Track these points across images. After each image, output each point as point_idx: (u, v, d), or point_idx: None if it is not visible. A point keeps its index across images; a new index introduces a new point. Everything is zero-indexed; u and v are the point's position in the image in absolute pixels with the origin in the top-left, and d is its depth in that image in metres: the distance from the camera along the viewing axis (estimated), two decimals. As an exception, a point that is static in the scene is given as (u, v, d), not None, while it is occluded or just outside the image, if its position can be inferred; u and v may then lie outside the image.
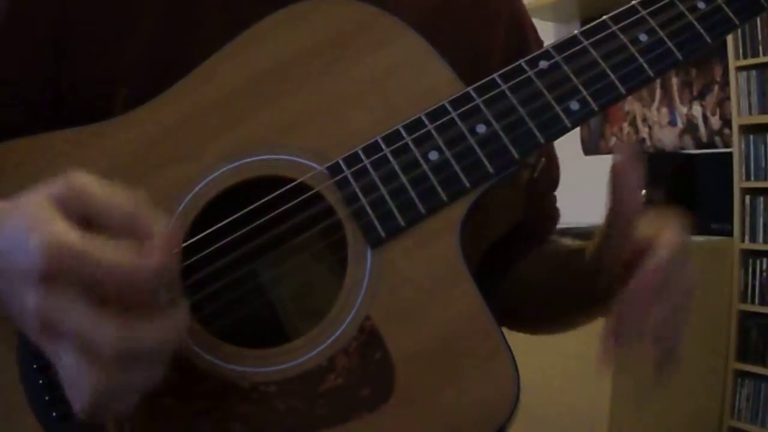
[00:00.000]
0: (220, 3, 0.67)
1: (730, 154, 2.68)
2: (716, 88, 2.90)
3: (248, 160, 0.58)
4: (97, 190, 0.47)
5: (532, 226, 0.77)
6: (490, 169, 0.56)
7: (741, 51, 2.64)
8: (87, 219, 0.46)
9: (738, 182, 2.64)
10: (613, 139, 3.33)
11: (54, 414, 0.53)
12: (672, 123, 3.09)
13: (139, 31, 0.66)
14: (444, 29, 0.61)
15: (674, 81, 3.02)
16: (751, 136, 2.63)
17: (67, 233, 0.45)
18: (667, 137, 3.12)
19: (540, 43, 0.79)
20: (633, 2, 0.59)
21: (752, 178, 2.66)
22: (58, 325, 0.44)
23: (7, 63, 0.66)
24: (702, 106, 2.97)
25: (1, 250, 0.47)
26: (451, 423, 0.51)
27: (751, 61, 2.59)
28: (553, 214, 0.83)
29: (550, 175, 0.80)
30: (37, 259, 0.44)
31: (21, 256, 0.45)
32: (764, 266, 2.63)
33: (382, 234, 0.55)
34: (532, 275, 0.77)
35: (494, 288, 0.76)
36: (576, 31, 0.59)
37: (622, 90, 0.57)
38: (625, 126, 3.27)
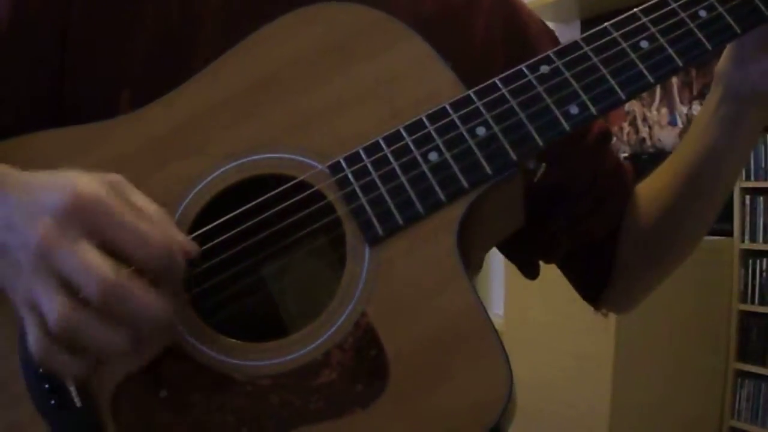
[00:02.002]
0: (221, 6, 0.68)
1: (731, 154, 2.68)
2: (717, 88, 2.90)
3: (252, 158, 0.59)
4: (136, 190, 0.51)
5: (607, 182, 0.78)
6: (489, 171, 0.56)
7: (742, 52, 2.64)
8: None
9: (738, 182, 2.65)
10: (613, 139, 3.33)
11: (52, 402, 0.54)
12: (672, 123, 3.10)
13: (141, 34, 0.66)
14: (437, 35, 0.62)
15: (674, 81, 3.03)
16: (751, 136, 2.63)
17: (101, 187, 0.48)
18: (667, 137, 3.12)
19: (548, 35, 0.79)
20: (635, 9, 0.60)
21: (752, 178, 2.66)
22: (56, 255, 0.46)
23: (10, 64, 0.66)
24: (702, 106, 2.97)
25: (32, 186, 0.50)
26: (443, 420, 0.52)
27: (751, 61, 2.59)
28: (620, 162, 0.81)
29: (599, 127, 0.79)
30: (65, 196, 0.47)
31: (50, 192, 0.48)
32: (764, 266, 2.64)
33: (381, 232, 0.55)
34: (650, 212, 0.77)
35: (612, 257, 0.78)
36: (577, 38, 0.60)
37: (622, 95, 0.58)
38: (625, 126, 3.27)
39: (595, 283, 0.81)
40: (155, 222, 0.50)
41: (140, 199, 0.51)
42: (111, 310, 0.47)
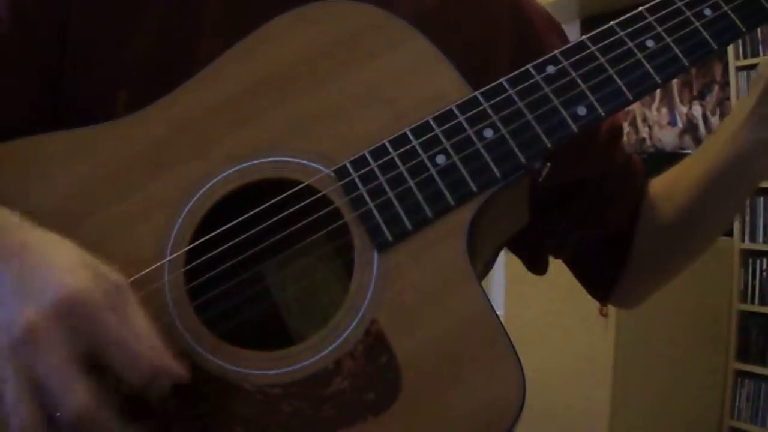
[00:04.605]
0: (220, 7, 0.67)
1: (730, 154, 2.68)
2: (716, 88, 2.91)
3: (255, 162, 0.58)
4: (135, 303, 0.49)
5: (618, 179, 0.79)
6: (497, 174, 0.56)
7: (741, 51, 2.64)
8: None
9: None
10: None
11: None
12: (672, 123, 3.10)
13: (139, 35, 0.66)
14: (439, 31, 0.61)
15: (674, 81, 3.03)
16: (751, 137, 2.63)
17: (98, 291, 0.46)
18: (667, 137, 3.12)
19: (555, 29, 0.80)
20: (640, 8, 0.60)
21: (752, 178, 2.66)
22: (38, 351, 0.44)
23: (8, 64, 0.66)
24: (702, 106, 2.97)
25: (29, 264, 0.47)
26: (456, 427, 0.51)
27: (751, 61, 2.60)
28: (630, 158, 0.82)
29: (613, 125, 0.80)
30: (60, 292, 0.45)
31: (46, 280, 0.46)
32: (764, 266, 2.64)
33: (389, 237, 0.55)
34: (670, 207, 0.78)
35: (628, 253, 0.79)
36: (583, 37, 0.59)
37: (629, 96, 0.58)
38: (625, 126, 3.27)
39: (605, 280, 0.82)
40: (147, 341, 0.48)
41: (136, 314, 0.48)
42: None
